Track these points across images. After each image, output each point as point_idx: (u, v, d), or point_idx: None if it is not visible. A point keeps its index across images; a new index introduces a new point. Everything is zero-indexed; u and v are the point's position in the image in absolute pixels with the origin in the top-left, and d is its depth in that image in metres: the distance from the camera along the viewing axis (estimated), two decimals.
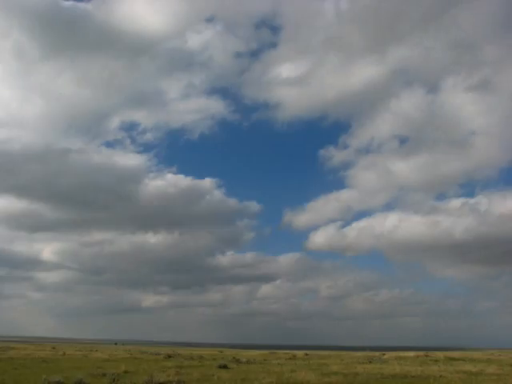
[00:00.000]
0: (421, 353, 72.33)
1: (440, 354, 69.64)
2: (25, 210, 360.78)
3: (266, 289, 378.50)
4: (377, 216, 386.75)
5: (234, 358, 57.81)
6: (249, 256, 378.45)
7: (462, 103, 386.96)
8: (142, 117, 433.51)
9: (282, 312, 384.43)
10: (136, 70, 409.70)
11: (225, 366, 39.95)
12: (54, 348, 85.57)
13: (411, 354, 70.37)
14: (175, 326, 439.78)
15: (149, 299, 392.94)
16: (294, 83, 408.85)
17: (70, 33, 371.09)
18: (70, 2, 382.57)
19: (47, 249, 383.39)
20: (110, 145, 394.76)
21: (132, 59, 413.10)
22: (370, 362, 54.03)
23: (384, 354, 75.12)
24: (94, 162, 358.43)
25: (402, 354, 73.44)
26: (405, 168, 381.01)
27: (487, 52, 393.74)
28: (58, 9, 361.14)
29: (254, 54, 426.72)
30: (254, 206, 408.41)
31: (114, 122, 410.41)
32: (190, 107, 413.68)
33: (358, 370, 39.69)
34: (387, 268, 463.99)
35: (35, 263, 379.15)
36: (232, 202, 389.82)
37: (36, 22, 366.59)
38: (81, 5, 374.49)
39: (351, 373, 36.56)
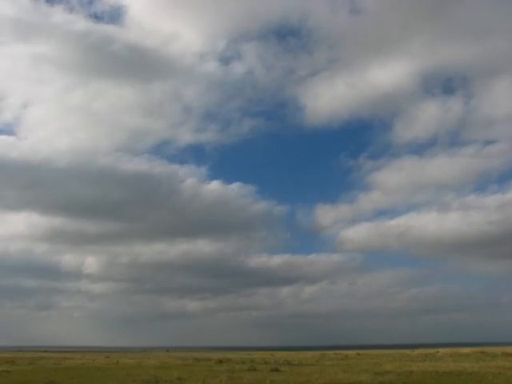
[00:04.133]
0: (476, 349, 70.69)
1: (497, 350, 67.85)
2: (69, 225, 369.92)
3: (310, 290, 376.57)
4: (410, 215, 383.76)
5: (285, 360, 57.63)
6: (289, 258, 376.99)
7: (492, 104, 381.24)
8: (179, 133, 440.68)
9: (329, 312, 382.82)
10: (178, 93, 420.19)
11: (277, 369, 39.82)
12: (107, 357, 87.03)
13: (466, 350, 68.89)
14: (224, 331, 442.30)
15: (196, 305, 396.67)
16: (322, 87, 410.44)
17: (124, 60, 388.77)
18: (123, 36, 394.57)
19: (93, 261, 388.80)
20: (158, 160, 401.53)
21: (182, 84, 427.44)
22: (424, 359, 53.16)
23: (438, 351, 73.73)
24: (137, 177, 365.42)
25: (456, 350, 71.95)
26: (435, 167, 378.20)
27: None
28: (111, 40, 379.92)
29: (285, 64, 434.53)
30: (287, 208, 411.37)
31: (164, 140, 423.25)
32: (233, 125, 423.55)
33: (411, 368, 39.03)
34: (426, 265, 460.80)
35: (83, 276, 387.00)
36: (273, 206, 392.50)
37: (93, 52, 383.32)
38: (129, 36, 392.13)
39: (405, 371, 35.95)
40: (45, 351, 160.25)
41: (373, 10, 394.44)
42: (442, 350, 78.39)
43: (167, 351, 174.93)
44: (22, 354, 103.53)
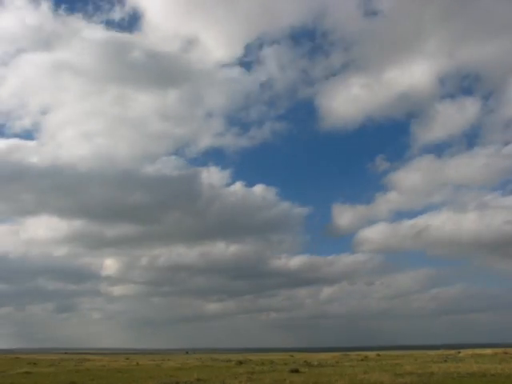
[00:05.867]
0: (499, 350, 69.74)
1: None
2: (89, 228, 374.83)
3: (329, 291, 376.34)
4: (429, 215, 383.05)
5: (305, 361, 57.42)
6: (307, 259, 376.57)
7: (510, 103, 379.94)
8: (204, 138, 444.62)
9: (348, 313, 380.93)
10: (197, 97, 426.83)
11: (296, 370, 39.62)
12: (127, 359, 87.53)
13: (488, 351, 67.99)
14: (243, 333, 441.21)
15: (215, 307, 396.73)
16: (339, 89, 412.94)
17: (144, 66, 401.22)
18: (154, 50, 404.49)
19: (113, 264, 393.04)
20: (179, 164, 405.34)
21: (201, 89, 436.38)
22: (445, 360, 52.55)
23: (459, 352, 72.94)
24: (157, 180, 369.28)
25: (478, 351, 71.08)
26: (453, 168, 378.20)
27: None
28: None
29: (302, 66, 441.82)
30: (306, 209, 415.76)
31: (195, 146, 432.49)
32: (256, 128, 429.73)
33: (432, 369, 38.58)
34: (446, 265, 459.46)
35: (103, 278, 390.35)
36: (290, 207, 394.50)
37: (112, 58, 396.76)
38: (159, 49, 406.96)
39: (426, 372, 35.55)
40: (65, 353, 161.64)
41: (388, 12, 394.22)
42: (463, 351, 77.55)
43: (187, 353, 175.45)
44: (43, 356, 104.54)
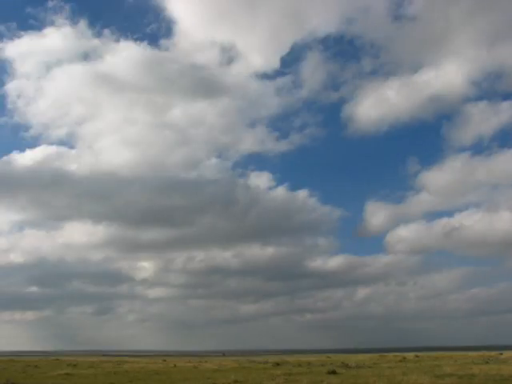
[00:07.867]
0: None
1: None
2: (125, 232, 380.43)
3: (364, 291, 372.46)
4: (464, 214, 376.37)
5: (342, 362, 56.98)
6: (342, 260, 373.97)
7: None
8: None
9: (384, 314, 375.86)
10: (235, 105, 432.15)
11: (334, 372, 39.33)
12: (164, 361, 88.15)
13: None
14: (279, 334, 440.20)
15: (251, 309, 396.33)
16: (371, 92, 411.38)
17: (177, 77, 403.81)
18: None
19: (148, 267, 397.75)
20: (219, 169, 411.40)
21: (240, 97, 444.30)
22: (487, 362, 51.51)
23: (501, 354, 71.34)
24: (196, 184, 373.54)
25: None
26: (488, 167, 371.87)
27: None
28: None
29: (335, 71, 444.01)
30: (341, 211, 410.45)
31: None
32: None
33: (473, 371, 37.85)
34: (485, 265, 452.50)
35: (139, 281, 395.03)
36: (323, 209, 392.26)
37: (148, 69, 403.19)
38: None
39: (467, 374, 34.89)
40: (103, 355, 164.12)
41: (417, 14, 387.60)
42: (505, 353, 75.86)
43: (223, 355, 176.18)
44: (82, 358, 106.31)
